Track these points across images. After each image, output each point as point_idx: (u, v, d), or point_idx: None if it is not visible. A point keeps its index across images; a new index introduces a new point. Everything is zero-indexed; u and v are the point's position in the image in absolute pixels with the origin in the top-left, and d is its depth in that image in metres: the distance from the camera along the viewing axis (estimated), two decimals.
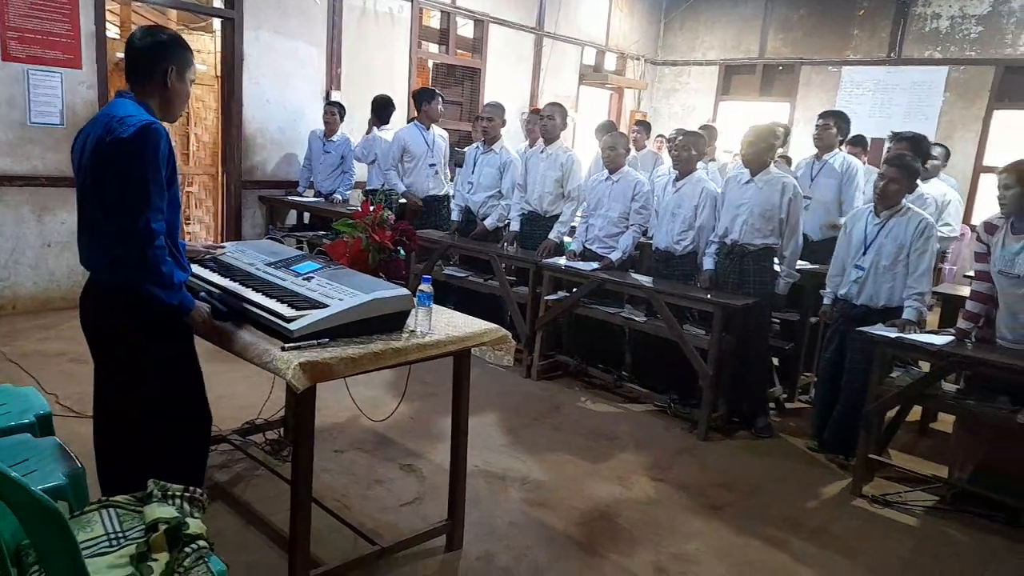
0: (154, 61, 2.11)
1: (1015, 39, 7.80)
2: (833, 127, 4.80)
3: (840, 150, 4.92)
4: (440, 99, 5.94)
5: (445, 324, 2.51)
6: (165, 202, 2.05)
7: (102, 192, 2.03)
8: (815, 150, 4.96)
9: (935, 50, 8.29)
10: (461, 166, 5.77)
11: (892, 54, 8.56)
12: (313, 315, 2.17)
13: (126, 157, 1.97)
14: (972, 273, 3.50)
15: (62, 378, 3.89)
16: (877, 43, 8.68)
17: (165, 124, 2.13)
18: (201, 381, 2.35)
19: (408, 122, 6.94)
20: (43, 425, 2.32)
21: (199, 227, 7.45)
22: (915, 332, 3.32)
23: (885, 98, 8.63)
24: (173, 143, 2.15)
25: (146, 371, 2.17)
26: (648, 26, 10.28)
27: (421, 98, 5.86)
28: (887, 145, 4.62)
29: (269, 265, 2.64)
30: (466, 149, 6.41)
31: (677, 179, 4.41)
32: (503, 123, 5.33)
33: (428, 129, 5.80)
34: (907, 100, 8.46)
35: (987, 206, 7.78)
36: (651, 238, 4.75)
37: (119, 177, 1.98)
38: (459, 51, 7.91)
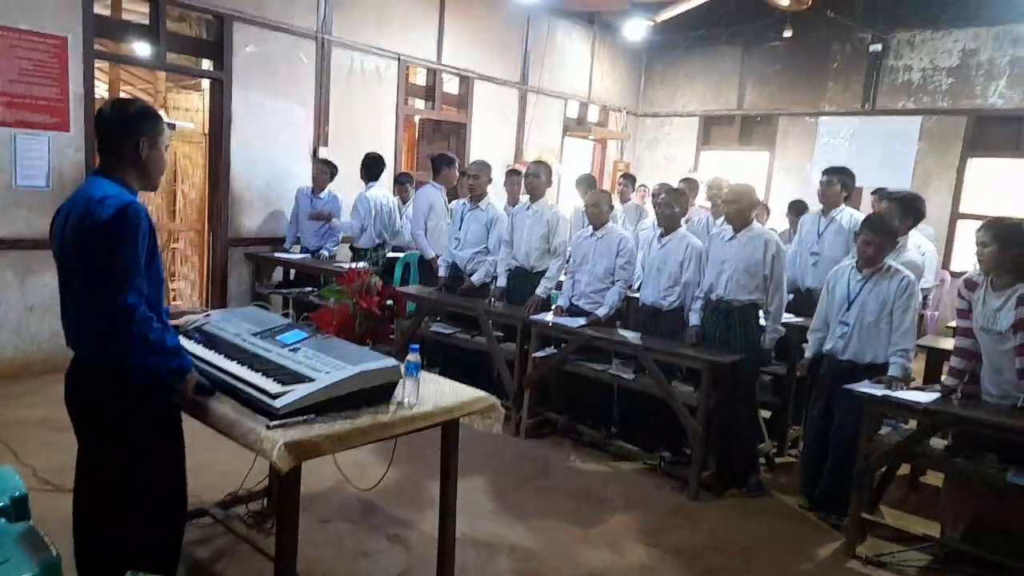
0: (125, 135, 2.12)
1: (984, 90, 8.06)
2: (837, 184, 4.83)
3: (845, 206, 4.95)
4: (457, 164, 6.13)
5: (433, 393, 2.49)
6: (145, 280, 2.05)
7: (86, 272, 2.02)
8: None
9: (908, 101, 8.53)
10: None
11: (866, 105, 8.80)
12: (299, 390, 2.15)
13: (106, 239, 1.98)
14: (954, 323, 3.54)
15: (42, 448, 3.80)
16: (851, 94, 8.93)
17: (143, 196, 2.14)
18: (183, 459, 2.31)
19: (396, 182, 7.05)
20: (18, 508, 2.25)
21: (184, 283, 7.42)
22: (901, 388, 3.33)
23: (861, 147, 8.83)
24: (159, 201, 2.18)
25: (130, 450, 2.14)
26: (629, 79, 10.53)
27: (441, 163, 6.04)
28: (879, 202, 4.64)
29: (255, 335, 2.62)
30: (451, 204, 6.48)
31: (662, 235, 4.46)
32: (489, 180, 5.40)
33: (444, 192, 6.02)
34: (883, 149, 8.66)
35: (964, 252, 7.94)
36: (638, 291, 4.78)
37: (100, 258, 1.99)
38: (445, 107, 8.05)
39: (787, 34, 8.27)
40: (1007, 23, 7.81)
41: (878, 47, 8.54)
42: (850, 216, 4.84)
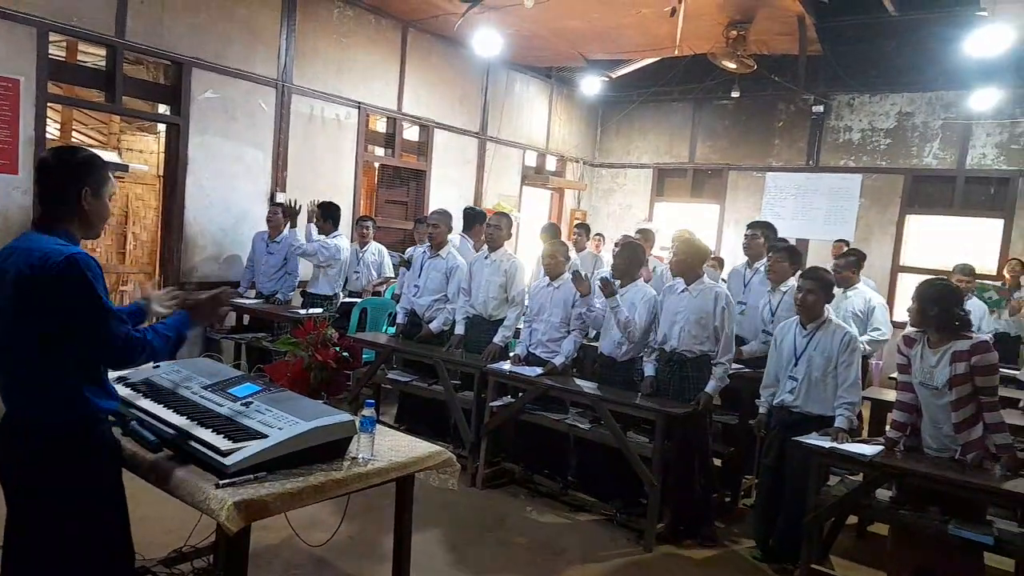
0: (67, 186, 2.07)
1: (919, 150, 8.52)
2: (760, 236, 5.07)
3: (768, 257, 5.15)
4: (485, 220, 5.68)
5: (388, 448, 2.47)
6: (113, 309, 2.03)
7: (32, 329, 1.96)
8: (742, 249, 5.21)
9: (849, 159, 8.96)
10: (408, 267, 5.82)
11: (810, 161, 9.20)
12: (251, 447, 2.11)
13: (61, 292, 1.93)
14: (895, 375, 3.67)
15: None
16: (796, 151, 9.34)
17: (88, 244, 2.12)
18: (126, 518, 2.23)
19: (357, 224, 7.04)
20: None
21: None
22: (847, 440, 3.43)
23: (806, 202, 9.20)
24: (108, 242, 2.17)
25: (67, 510, 2.05)
26: (586, 131, 10.82)
27: (475, 218, 6.04)
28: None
29: (206, 388, 2.56)
30: (408, 250, 6.50)
31: (621, 285, 4.53)
32: (449, 229, 5.44)
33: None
34: (827, 204, 9.04)
35: (905, 304, 8.23)
36: (595, 340, 4.83)
37: (58, 313, 1.94)
38: (405, 154, 8.13)
39: (735, 94, 8.65)
40: (938, 90, 8.33)
41: (820, 108, 8.99)
42: None
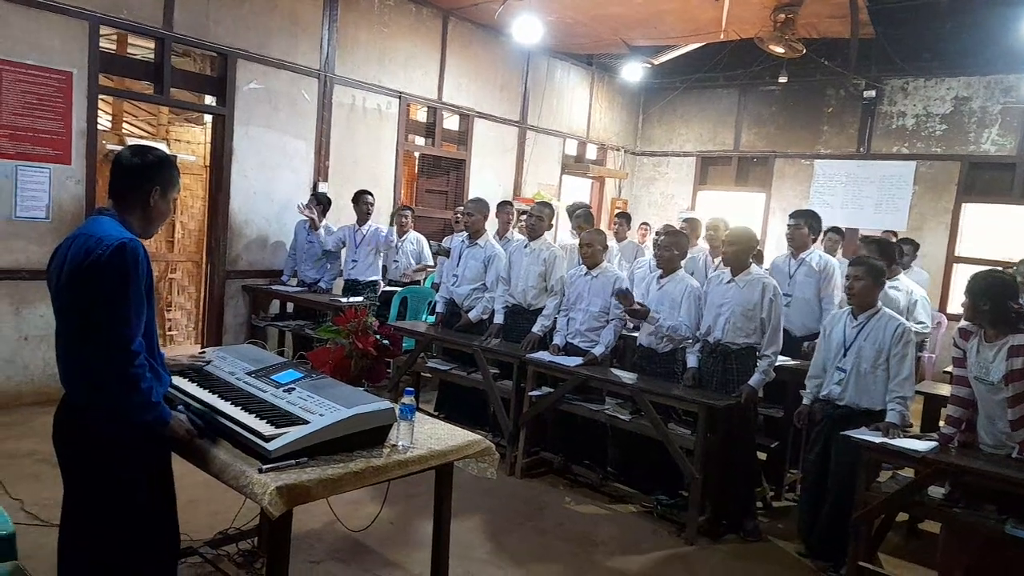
0: (140, 182, 2.13)
1: (977, 137, 8.18)
2: (804, 227, 4.92)
3: (813, 247, 5.01)
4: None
5: (427, 436, 2.48)
6: (144, 320, 2.04)
7: (81, 314, 2.01)
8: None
9: (902, 146, 8.65)
10: (447, 256, 5.82)
11: (861, 149, 8.92)
12: (292, 433, 2.13)
13: (103, 279, 1.97)
14: (951, 370, 3.54)
15: (30, 481, 3.75)
16: (846, 138, 9.06)
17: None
18: (173, 499, 2.28)
19: (397, 214, 7.07)
20: (4, 547, 2.22)
21: (180, 314, 7.40)
22: (899, 436, 3.31)
23: (856, 190, 8.93)
24: (159, 231, 2.17)
25: (118, 491, 2.11)
26: (627, 119, 10.68)
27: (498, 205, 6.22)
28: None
29: (249, 374, 2.60)
30: (445, 239, 6.52)
31: (661, 276, 4.47)
32: (485, 217, 5.42)
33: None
34: (878, 192, 8.76)
35: (960, 295, 7.95)
36: (634, 330, 4.77)
37: (97, 299, 1.98)
38: (445, 143, 8.14)
39: (782, 79, 8.41)
40: (997, 73, 7.97)
41: (872, 93, 8.70)
42: (819, 257, 4.91)
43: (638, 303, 4.25)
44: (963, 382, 3.27)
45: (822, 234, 5.19)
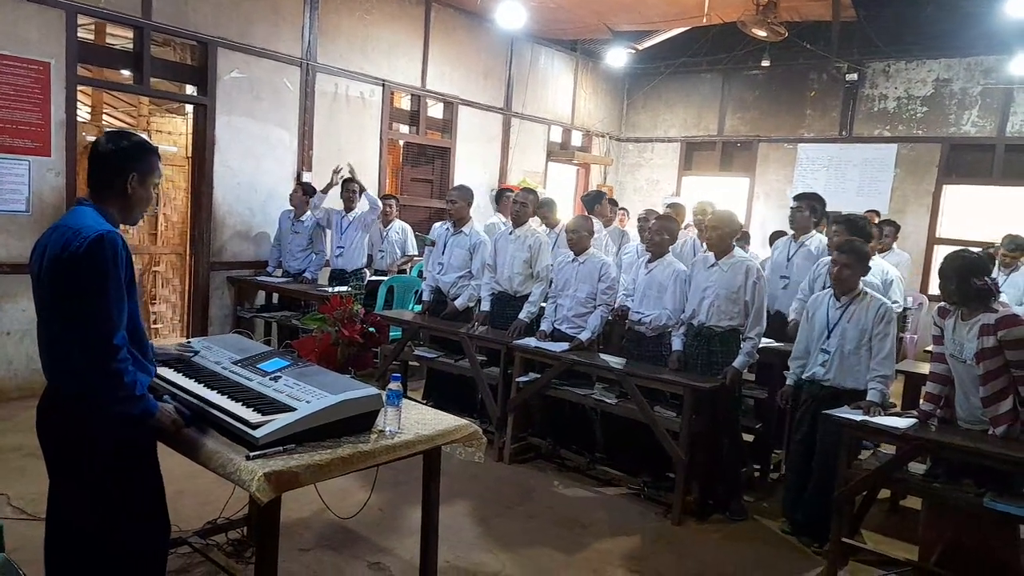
0: (117, 169, 2.11)
1: (958, 119, 8.26)
2: (807, 210, 4.89)
3: (815, 231, 5.01)
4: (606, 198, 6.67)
5: (415, 422, 2.49)
6: (125, 312, 2.03)
7: (61, 306, 2.00)
8: (774, 224, 5.07)
9: (884, 128, 8.72)
10: (433, 245, 5.82)
11: (844, 132, 8.98)
12: (279, 420, 2.14)
13: (82, 271, 1.95)
14: (931, 347, 3.59)
15: (15, 476, 3.74)
16: (829, 122, 9.12)
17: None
18: (162, 489, 2.28)
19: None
20: None
21: (165, 306, 7.35)
22: (880, 414, 3.37)
23: (839, 173, 8.99)
24: (141, 223, 2.16)
25: (104, 481, 2.10)
26: (612, 105, 10.68)
27: (592, 200, 6.50)
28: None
29: (236, 363, 2.60)
30: (435, 226, 6.50)
31: (650, 261, 4.49)
32: (468, 205, 5.40)
33: None
34: (860, 175, 8.82)
35: None
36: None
37: (76, 293, 1.96)
38: (429, 131, 8.10)
39: (765, 63, 8.44)
40: (978, 55, 8.04)
41: (854, 76, 8.75)
42: (819, 241, 4.90)
43: (619, 307, 4.52)
44: (941, 359, 3.32)
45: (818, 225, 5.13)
